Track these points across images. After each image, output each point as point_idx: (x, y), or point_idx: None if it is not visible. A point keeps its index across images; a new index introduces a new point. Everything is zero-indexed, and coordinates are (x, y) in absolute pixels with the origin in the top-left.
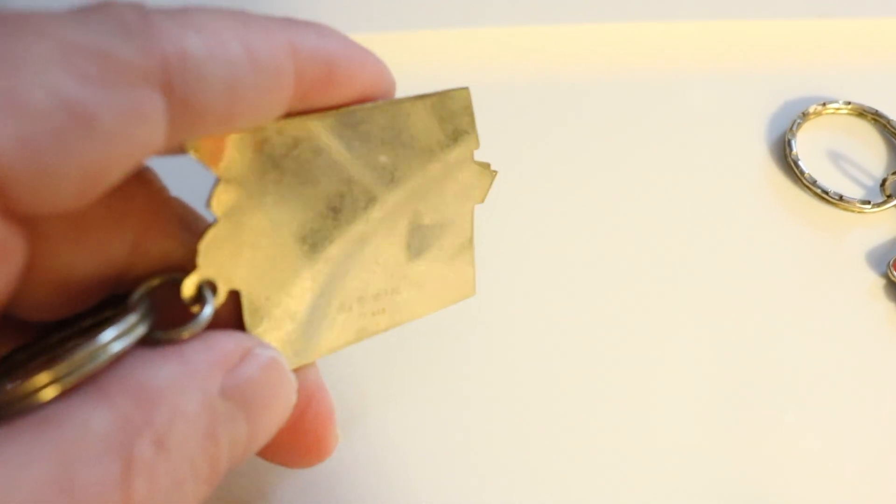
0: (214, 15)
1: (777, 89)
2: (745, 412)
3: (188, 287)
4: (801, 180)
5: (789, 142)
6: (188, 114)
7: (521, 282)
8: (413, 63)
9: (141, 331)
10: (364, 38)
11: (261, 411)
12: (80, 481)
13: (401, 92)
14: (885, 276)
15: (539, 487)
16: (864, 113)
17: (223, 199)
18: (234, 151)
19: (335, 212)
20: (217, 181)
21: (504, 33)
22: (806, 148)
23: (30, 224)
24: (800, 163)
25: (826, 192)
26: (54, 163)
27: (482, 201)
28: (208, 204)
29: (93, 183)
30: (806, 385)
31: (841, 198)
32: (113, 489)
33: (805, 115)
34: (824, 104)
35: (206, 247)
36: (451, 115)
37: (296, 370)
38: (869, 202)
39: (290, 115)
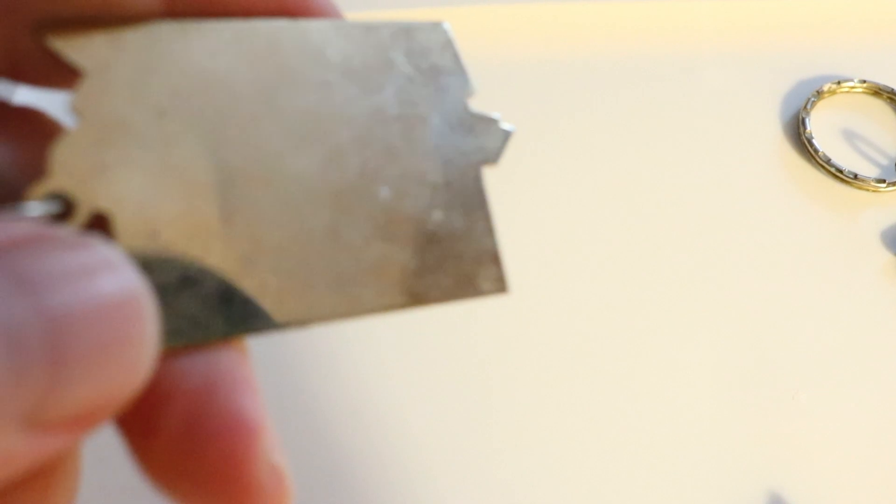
0: None
1: (791, 67)
2: (759, 391)
3: (33, 195)
4: (815, 159)
5: (803, 120)
6: None
7: (536, 260)
8: None
9: None
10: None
11: (67, 328)
12: None
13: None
14: None
15: (555, 465)
16: (879, 91)
17: (91, 97)
18: (108, 46)
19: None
20: (85, 76)
21: (512, 9)
22: (820, 126)
23: None
24: (814, 141)
25: (840, 171)
26: None
27: (495, 162)
28: (72, 103)
29: None
30: (820, 364)
31: (856, 176)
32: None
33: (819, 94)
34: (839, 82)
35: (62, 150)
36: (424, 51)
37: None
38: (884, 181)
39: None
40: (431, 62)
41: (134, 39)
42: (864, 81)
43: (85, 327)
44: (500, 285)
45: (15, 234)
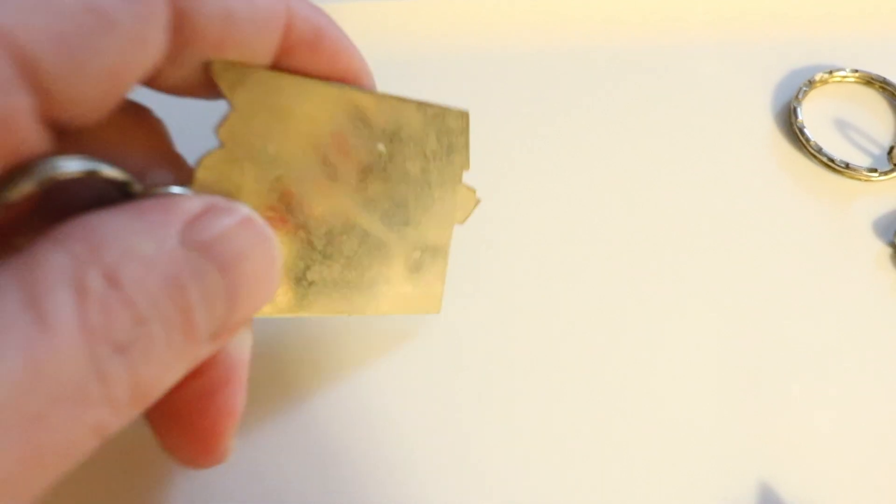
0: None
1: (782, 57)
2: (750, 382)
3: (183, 185)
4: (806, 148)
5: (795, 110)
6: (187, 29)
7: (527, 255)
8: (403, 29)
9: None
10: (354, 5)
11: (235, 268)
12: (44, 305)
13: (386, 61)
14: (892, 244)
15: (549, 461)
16: (871, 81)
17: (232, 129)
18: (254, 86)
19: (328, 175)
20: (231, 110)
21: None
22: (812, 116)
23: (59, 134)
24: (805, 131)
25: (832, 161)
26: (84, 59)
27: (462, 222)
28: (217, 129)
29: (114, 83)
30: (812, 356)
31: (847, 166)
32: (71, 312)
33: (811, 83)
34: (831, 72)
35: (207, 163)
36: (449, 132)
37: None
38: (876, 170)
39: (300, 74)
40: (451, 141)
41: (268, 86)
42: (857, 71)
43: (245, 265)
44: (436, 307)
45: (196, 208)
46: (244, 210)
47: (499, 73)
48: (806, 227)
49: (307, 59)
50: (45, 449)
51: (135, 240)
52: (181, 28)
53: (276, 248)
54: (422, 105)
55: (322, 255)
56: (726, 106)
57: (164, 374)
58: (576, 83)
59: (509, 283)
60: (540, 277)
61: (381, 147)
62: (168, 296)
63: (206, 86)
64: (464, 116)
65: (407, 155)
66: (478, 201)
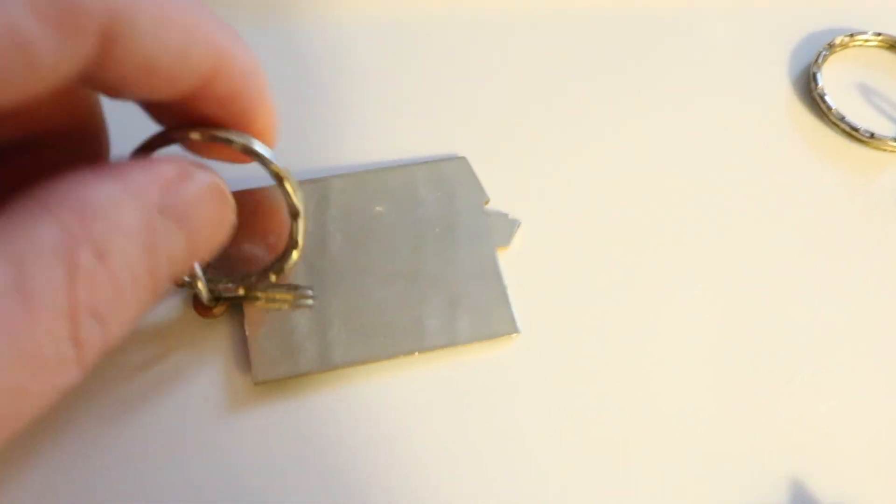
0: None
1: (799, 19)
2: (774, 370)
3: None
4: (827, 116)
5: (814, 75)
6: (112, 63)
7: (539, 222)
8: None
9: None
10: None
11: (199, 230)
12: (31, 284)
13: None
14: None
15: (549, 447)
16: (895, 45)
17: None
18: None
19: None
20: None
21: None
22: (832, 82)
23: None
24: (826, 98)
25: (855, 130)
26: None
27: (507, 245)
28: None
29: (21, 93)
30: (840, 338)
31: (872, 135)
32: (60, 292)
33: (831, 47)
34: (852, 35)
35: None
36: (446, 179)
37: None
38: None
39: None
40: (455, 183)
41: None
42: (879, 34)
43: (208, 228)
44: (511, 328)
45: (171, 173)
46: (210, 176)
47: (505, 37)
48: (828, 201)
49: (214, 108)
50: (20, 414)
51: (121, 211)
52: (106, 61)
53: (233, 210)
54: (408, 167)
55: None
56: (741, 71)
57: (128, 327)
58: (585, 49)
59: (524, 261)
60: (547, 250)
61: (378, 209)
62: (143, 263)
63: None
64: (460, 164)
65: (408, 207)
66: (516, 223)
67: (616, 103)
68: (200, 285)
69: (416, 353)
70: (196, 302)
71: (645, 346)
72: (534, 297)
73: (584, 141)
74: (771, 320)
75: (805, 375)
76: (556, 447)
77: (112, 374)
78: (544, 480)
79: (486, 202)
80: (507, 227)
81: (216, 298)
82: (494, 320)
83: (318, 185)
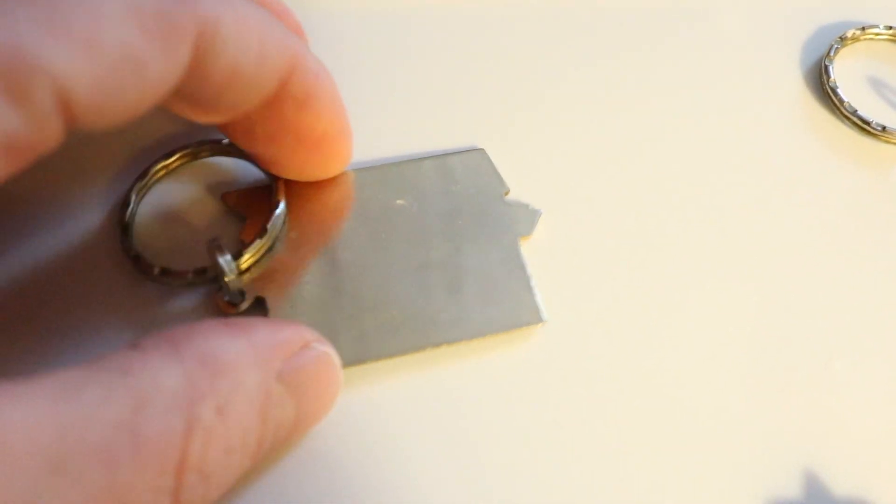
0: (248, 6)
1: (810, 12)
2: (790, 363)
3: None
4: (839, 109)
5: (826, 68)
6: (202, 72)
7: (559, 217)
8: None
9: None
10: None
11: (309, 401)
12: (145, 430)
13: None
14: None
15: (574, 443)
16: None
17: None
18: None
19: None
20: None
21: None
22: (844, 75)
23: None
24: (838, 91)
25: (867, 123)
26: (114, 99)
27: (529, 235)
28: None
29: (133, 113)
30: (853, 329)
31: (884, 129)
32: (173, 445)
33: (843, 40)
34: (863, 28)
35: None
36: (466, 171)
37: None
38: None
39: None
40: (476, 174)
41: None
42: (891, 27)
43: (316, 399)
44: (536, 317)
45: (295, 343)
46: (326, 347)
47: (521, 26)
48: (840, 195)
49: (291, 112)
50: None
51: (246, 373)
52: (193, 75)
53: (340, 378)
54: (427, 160)
55: (371, 307)
56: (751, 64)
57: (225, 490)
58: (594, 40)
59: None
60: (570, 238)
61: (399, 202)
62: (256, 425)
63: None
64: (476, 156)
65: (429, 199)
66: (538, 213)
67: (627, 92)
68: (230, 279)
69: (444, 346)
70: (218, 296)
71: (670, 334)
72: (559, 286)
73: (600, 130)
74: (785, 312)
75: (821, 369)
76: (582, 436)
77: None
78: (569, 469)
79: (507, 193)
80: (528, 216)
81: (241, 293)
82: (520, 310)
83: (339, 180)
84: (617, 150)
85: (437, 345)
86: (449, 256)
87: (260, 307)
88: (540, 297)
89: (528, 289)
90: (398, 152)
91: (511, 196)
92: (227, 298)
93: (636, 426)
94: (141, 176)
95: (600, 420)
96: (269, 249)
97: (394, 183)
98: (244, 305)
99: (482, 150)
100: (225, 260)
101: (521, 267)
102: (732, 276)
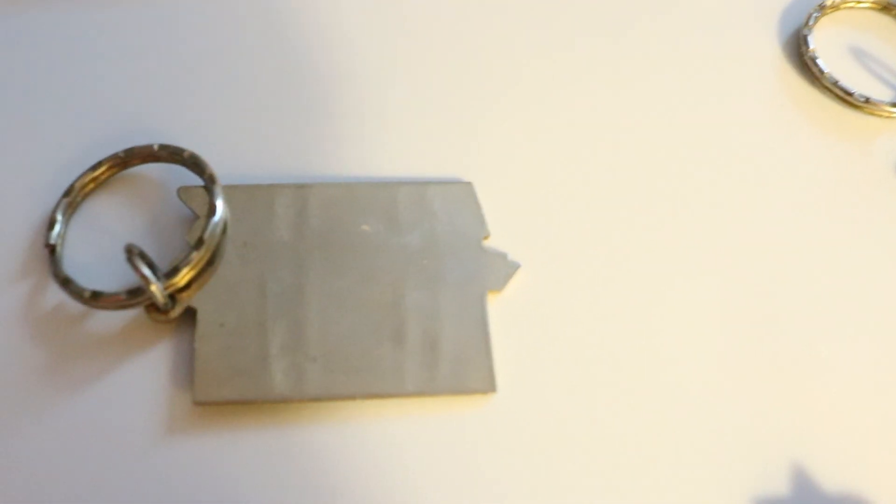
0: None
1: None
2: (772, 348)
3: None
4: (819, 81)
5: (805, 38)
6: None
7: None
8: None
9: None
10: None
11: None
12: None
13: None
14: None
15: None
16: (889, 6)
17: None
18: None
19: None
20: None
21: None
22: (824, 45)
23: None
24: (818, 61)
25: (849, 94)
26: None
27: (499, 289)
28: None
29: None
30: (837, 311)
31: (867, 100)
32: None
33: (822, 8)
34: None
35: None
36: (447, 204)
37: None
38: None
39: None
40: (457, 211)
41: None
42: None
43: None
44: (489, 385)
45: None
46: None
47: (492, 7)
48: (822, 169)
49: None
50: None
51: None
52: None
53: None
54: (405, 185)
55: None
56: (727, 34)
57: None
58: (570, 14)
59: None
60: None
61: (365, 227)
62: None
63: None
64: (468, 187)
65: (398, 230)
66: (515, 266)
67: (595, 68)
68: (154, 288)
69: (384, 398)
70: (150, 305)
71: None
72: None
73: (564, 111)
74: (762, 296)
75: (806, 356)
76: None
77: (50, 383)
78: None
79: (486, 237)
80: (504, 269)
81: (171, 298)
82: (472, 373)
83: (301, 192)
84: (590, 132)
85: (374, 395)
86: (407, 298)
87: (190, 317)
88: (497, 363)
89: (486, 352)
90: (372, 172)
91: (490, 242)
92: (158, 304)
93: (612, 424)
94: (67, 192)
95: (589, 420)
96: (210, 263)
97: (362, 205)
98: (174, 313)
99: (469, 183)
100: (144, 267)
101: (483, 325)
102: (708, 256)
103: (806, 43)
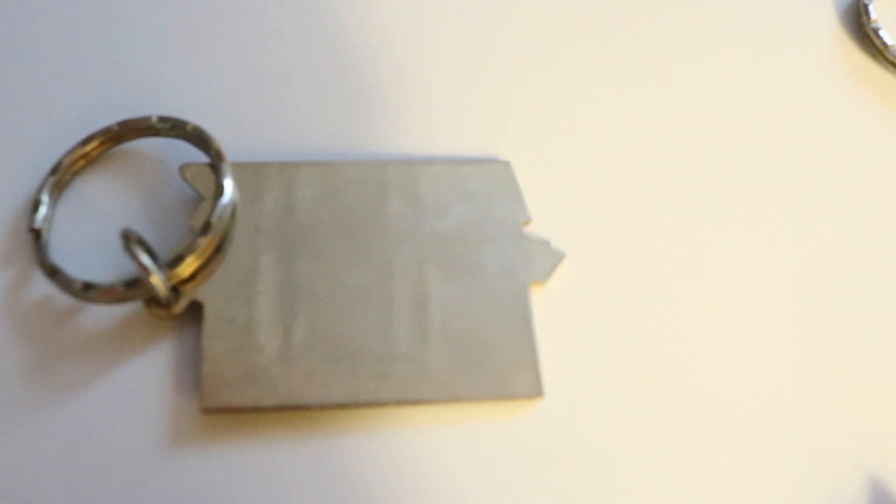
0: None
1: None
2: (846, 341)
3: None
4: (882, 54)
5: (866, 7)
6: None
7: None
8: None
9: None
10: None
11: None
12: None
13: None
14: None
15: (644, 452)
16: None
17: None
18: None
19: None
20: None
21: None
22: (887, 15)
23: None
24: (881, 33)
25: None
26: None
27: (543, 281)
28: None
29: None
30: None
31: None
32: None
33: None
34: None
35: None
36: (482, 186)
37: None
38: None
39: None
40: (494, 193)
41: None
42: None
43: None
44: (535, 389)
45: None
46: None
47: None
48: (886, 150)
49: None
50: None
51: None
52: None
53: None
54: (436, 164)
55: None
56: (782, 5)
57: None
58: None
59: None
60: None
61: (392, 208)
62: None
63: None
64: (503, 166)
65: (429, 213)
66: (560, 255)
67: (641, 44)
68: (155, 279)
69: (417, 405)
70: (150, 299)
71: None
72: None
73: (609, 92)
74: (828, 293)
75: (882, 357)
76: None
77: (44, 385)
78: None
79: (527, 223)
80: (548, 258)
81: (174, 290)
82: (515, 376)
83: (321, 171)
84: (626, 112)
85: (401, 402)
86: (437, 292)
87: (196, 312)
88: (542, 364)
89: (531, 351)
90: (401, 150)
91: (531, 228)
92: (160, 298)
93: (678, 436)
94: (54, 170)
95: (651, 432)
96: (218, 251)
97: (389, 186)
98: (178, 307)
99: (507, 162)
100: (143, 255)
101: (527, 321)
102: (771, 247)
103: (867, 12)
